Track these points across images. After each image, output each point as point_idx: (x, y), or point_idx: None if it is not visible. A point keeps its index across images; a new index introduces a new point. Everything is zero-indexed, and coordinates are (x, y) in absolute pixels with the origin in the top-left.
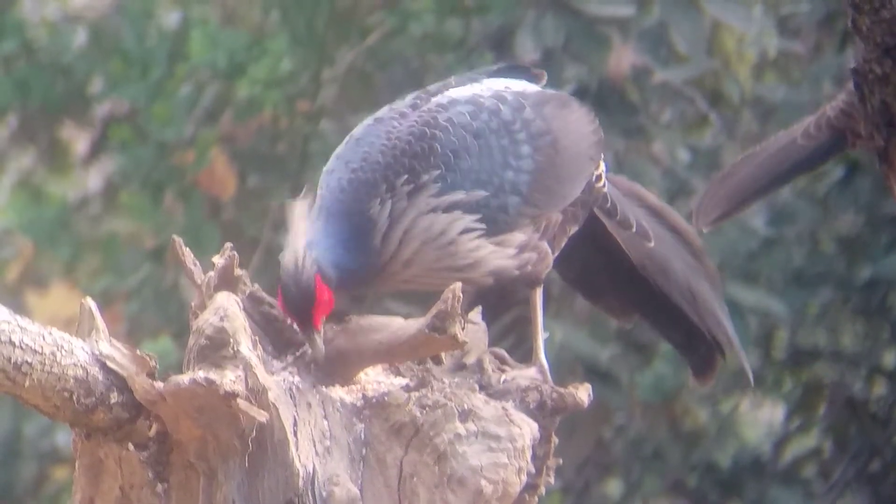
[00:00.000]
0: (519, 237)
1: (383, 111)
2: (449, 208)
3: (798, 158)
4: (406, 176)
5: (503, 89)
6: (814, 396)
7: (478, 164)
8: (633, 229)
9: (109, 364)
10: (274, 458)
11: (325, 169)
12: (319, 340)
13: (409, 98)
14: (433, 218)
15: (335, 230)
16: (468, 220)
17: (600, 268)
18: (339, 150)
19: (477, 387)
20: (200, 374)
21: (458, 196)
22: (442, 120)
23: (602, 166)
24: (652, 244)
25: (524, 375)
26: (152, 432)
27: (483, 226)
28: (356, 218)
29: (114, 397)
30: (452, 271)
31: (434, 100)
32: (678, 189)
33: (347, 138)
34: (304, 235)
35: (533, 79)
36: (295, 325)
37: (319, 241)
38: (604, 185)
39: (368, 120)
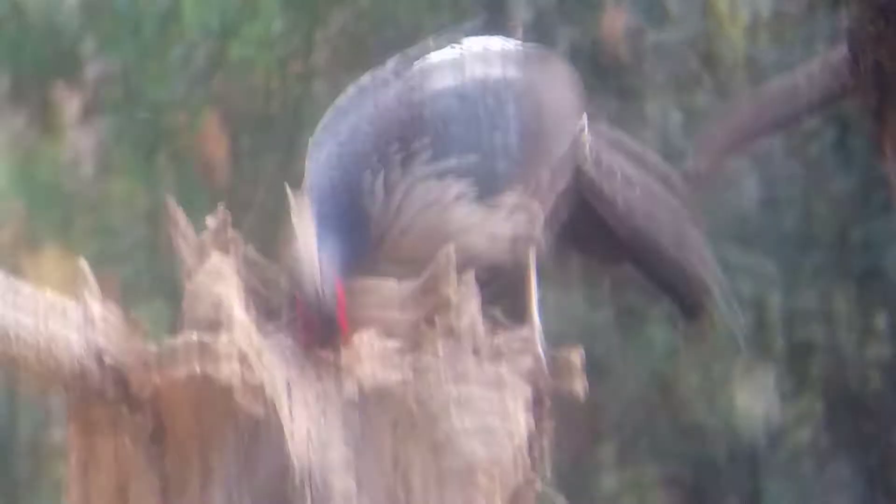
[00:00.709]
0: (510, 199)
1: (366, 80)
2: (442, 175)
3: (800, 102)
4: (397, 144)
5: (483, 50)
6: (805, 358)
7: (466, 128)
8: (618, 178)
9: (105, 359)
10: (270, 450)
11: (311, 140)
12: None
13: (391, 65)
14: (427, 185)
15: (329, 214)
16: (461, 185)
17: (587, 219)
18: (324, 121)
19: (474, 382)
20: (196, 368)
21: (450, 163)
22: (427, 87)
23: (584, 119)
24: (637, 192)
25: (521, 365)
26: (149, 426)
27: (475, 190)
28: (349, 192)
29: (110, 390)
30: (447, 237)
31: (416, 66)
32: (670, 150)
33: (332, 109)
34: (313, 241)
35: (509, 34)
36: (319, 333)
37: (319, 237)
38: (587, 139)
39: (352, 90)
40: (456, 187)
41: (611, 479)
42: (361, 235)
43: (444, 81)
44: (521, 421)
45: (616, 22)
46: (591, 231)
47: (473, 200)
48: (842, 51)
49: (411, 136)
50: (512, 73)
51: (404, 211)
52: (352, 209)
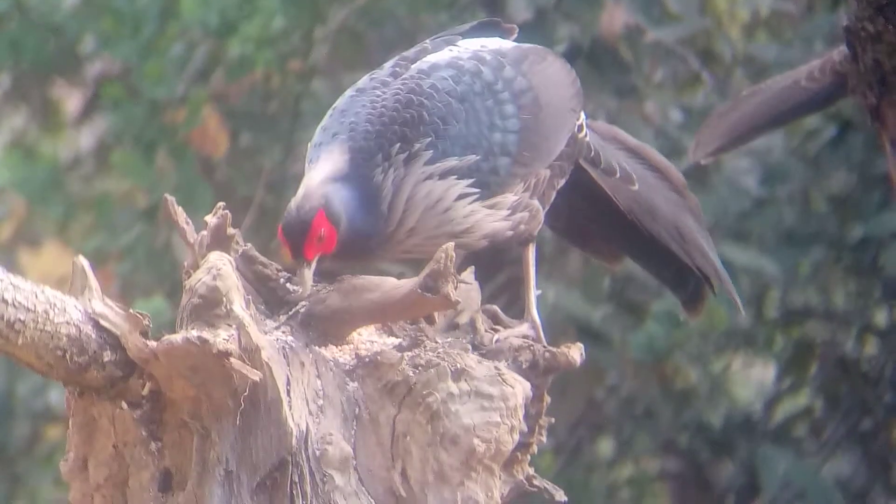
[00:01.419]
0: (511, 198)
1: (364, 81)
2: (444, 175)
3: (800, 100)
4: (399, 144)
5: (480, 49)
6: (805, 355)
7: (466, 128)
8: (618, 174)
9: (102, 322)
10: (267, 417)
11: (311, 143)
12: (308, 273)
13: (388, 66)
14: (430, 185)
15: (351, 192)
16: (462, 185)
17: (588, 214)
18: (323, 122)
19: (469, 346)
20: (193, 333)
21: (452, 162)
22: (426, 87)
23: (582, 116)
24: (636, 186)
25: (517, 334)
26: (146, 391)
27: (477, 190)
28: (364, 185)
29: (107, 356)
30: (451, 237)
31: (414, 66)
32: (670, 149)
33: (331, 111)
34: (326, 174)
35: (504, 34)
36: (287, 253)
37: (339, 191)
38: (586, 135)
39: (350, 91)
40: (457, 187)
41: (607, 446)
42: (371, 223)
43: (441, 82)
44: (517, 386)
45: (615, 20)
46: (590, 226)
47: (475, 200)
48: (842, 50)
49: (413, 136)
50: (509, 72)
51: (410, 211)
52: (365, 199)
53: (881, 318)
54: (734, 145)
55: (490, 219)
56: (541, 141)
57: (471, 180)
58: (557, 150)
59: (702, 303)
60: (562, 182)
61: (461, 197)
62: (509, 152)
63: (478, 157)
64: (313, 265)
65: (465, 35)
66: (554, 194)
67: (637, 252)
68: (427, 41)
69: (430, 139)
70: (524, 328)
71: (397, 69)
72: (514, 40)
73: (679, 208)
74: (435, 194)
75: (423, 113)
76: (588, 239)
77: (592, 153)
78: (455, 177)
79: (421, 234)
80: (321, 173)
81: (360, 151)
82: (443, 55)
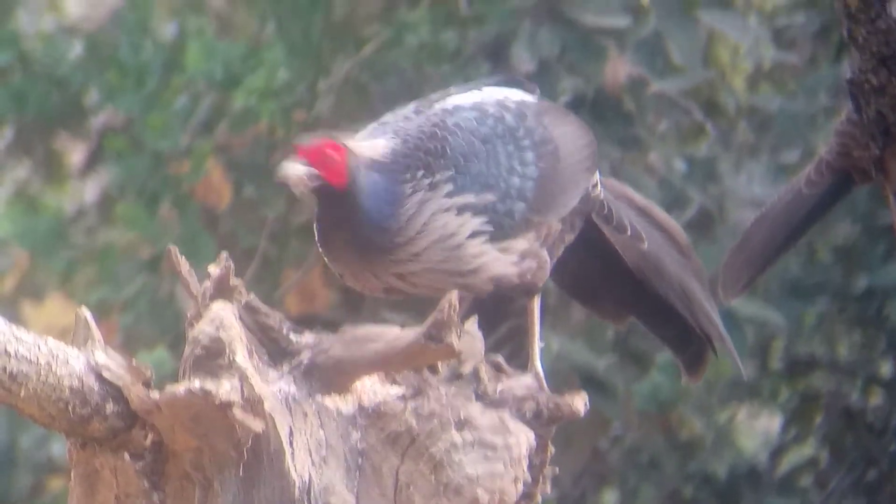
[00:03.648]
0: (521, 244)
1: (387, 117)
2: (461, 210)
3: (807, 209)
4: (423, 171)
5: (504, 98)
6: (810, 406)
7: (486, 168)
8: (629, 232)
9: (105, 374)
10: (270, 468)
11: None
12: (295, 168)
13: (412, 105)
14: (447, 218)
15: (381, 181)
16: (476, 223)
17: (595, 272)
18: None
19: (473, 396)
20: (196, 384)
21: (469, 198)
22: (450, 123)
23: (597, 174)
24: (646, 245)
25: (520, 384)
26: (148, 442)
27: (490, 229)
28: (393, 187)
29: (109, 407)
30: (454, 275)
31: (438, 105)
32: (674, 199)
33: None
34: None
35: (527, 91)
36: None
37: (371, 174)
38: (600, 193)
39: (373, 124)
40: (471, 224)
41: (612, 496)
42: (386, 221)
43: (465, 122)
44: (520, 436)
45: (618, 71)
46: (597, 284)
47: (487, 240)
48: (834, 146)
49: (435, 166)
50: (532, 122)
51: (424, 235)
52: (390, 200)
53: (886, 369)
54: (758, 276)
55: (499, 262)
56: (557, 192)
57: (484, 219)
58: (571, 205)
59: (703, 366)
60: (571, 237)
61: (474, 235)
62: (526, 198)
63: (495, 198)
64: (304, 167)
65: (490, 85)
66: (562, 249)
67: (642, 311)
68: (452, 87)
69: (450, 172)
70: (528, 380)
71: (420, 108)
72: (536, 95)
73: (684, 269)
74: (449, 228)
75: (445, 147)
76: (594, 297)
77: (606, 210)
78: (470, 213)
79: (422, 263)
80: (371, 149)
81: (388, 169)
82: (467, 98)
